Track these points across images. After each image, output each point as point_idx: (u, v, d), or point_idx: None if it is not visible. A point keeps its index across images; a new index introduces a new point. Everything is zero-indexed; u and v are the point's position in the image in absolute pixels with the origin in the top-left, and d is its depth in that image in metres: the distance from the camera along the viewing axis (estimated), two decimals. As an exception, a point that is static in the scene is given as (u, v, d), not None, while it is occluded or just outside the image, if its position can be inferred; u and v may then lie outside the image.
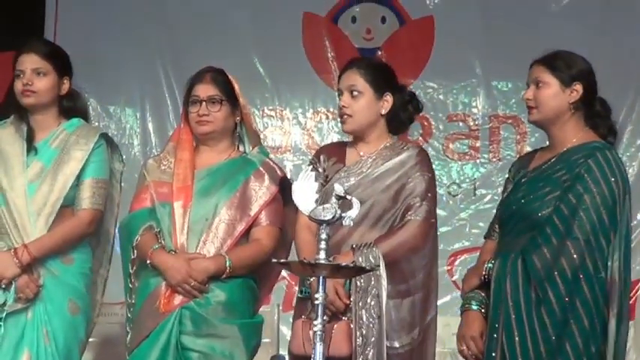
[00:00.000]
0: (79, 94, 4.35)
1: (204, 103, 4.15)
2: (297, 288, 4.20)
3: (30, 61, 4.18)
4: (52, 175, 4.14)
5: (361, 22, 6.83)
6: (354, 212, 3.33)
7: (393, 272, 3.86)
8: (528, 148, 6.14)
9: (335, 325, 3.86)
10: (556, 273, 3.50)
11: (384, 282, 3.83)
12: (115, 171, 4.33)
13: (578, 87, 3.69)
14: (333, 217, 3.30)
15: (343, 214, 3.31)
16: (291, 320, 4.11)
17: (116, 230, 4.35)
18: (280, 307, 5.94)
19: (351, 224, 3.39)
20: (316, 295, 3.24)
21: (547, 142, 3.82)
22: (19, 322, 4.05)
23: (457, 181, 6.67)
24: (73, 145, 4.19)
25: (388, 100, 4.03)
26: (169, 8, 6.70)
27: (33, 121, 4.22)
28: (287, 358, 4.27)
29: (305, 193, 3.37)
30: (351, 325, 3.83)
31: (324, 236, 3.27)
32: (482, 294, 3.70)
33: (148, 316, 4.01)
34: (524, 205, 3.66)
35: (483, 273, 3.69)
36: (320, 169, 3.98)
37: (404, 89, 4.13)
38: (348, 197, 3.36)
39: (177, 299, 4.00)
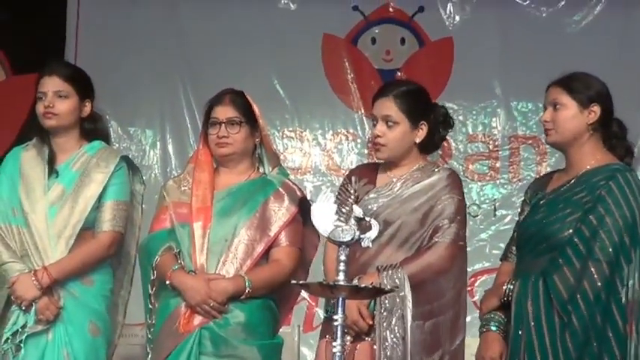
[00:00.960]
0: (101, 117, 4.39)
1: (223, 125, 4.17)
2: (317, 309, 4.20)
3: (52, 84, 4.22)
4: (72, 198, 4.17)
5: (381, 44, 6.83)
6: (372, 234, 3.33)
7: (418, 294, 3.84)
8: (548, 169, 6.12)
9: (358, 346, 3.86)
10: (579, 295, 3.51)
11: (409, 303, 3.80)
12: (135, 193, 4.35)
13: (596, 108, 3.70)
14: (352, 239, 3.31)
15: (362, 236, 3.31)
16: (311, 341, 4.12)
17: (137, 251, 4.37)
18: (301, 328, 5.92)
19: (370, 245, 3.38)
20: (335, 317, 3.24)
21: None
22: (39, 344, 4.07)
23: (477, 201, 6.66)
24: (94, 168, 4.21)
25: (423, 129, 4.00)
26: (189, 30, 6.72)
27: (54, 144, 4.25)
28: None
29: (324, 215, 3.38)
30: (374, 346, 3.82)
31: (343, 257, 3.27)
32: (502, 315, 3.70)
33: (168, 336, 4.03)
34: (545, 226, 3.66)
35: (503, 293, 3.68)
36: (351, 190, 3.99)
37: (437, 109, 4.07)
38: (367, 219, 3.37)
39: (197, 320, 4.01)
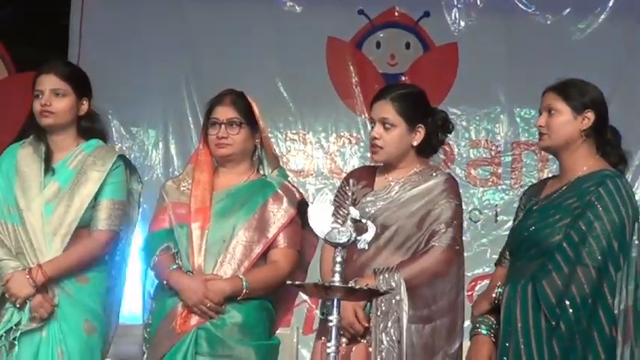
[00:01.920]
0: (98, 115, 4.38)
1: (223, 125, 4.19)
2: (317, 311, 4.21)
3: (49, 82, 4.22)
4: (68, 196, 4.17)
5: (385, 48, 6.85)
6: (369, 235, 3.36)
7: (414, 297, 3.86)
8: (550, 176, 6.12)
9: (353, 348, 3.87)
10: (566, 300, 3.52)
11: (405, 306, 3.82)
12: (133, 192, 4.35)
13: (590, 115, 3.72)
14: (348, 240, 3.32)
15: (358, 237, 3.33)
16: (310, 344, 4.13)
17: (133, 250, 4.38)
18: (300, 330, 5.94)
19: (367, 247, 3.41)
20: (330, 318, 3.27)
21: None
22: (33, 340, 4.08)
23: (478, 207, 6.67)
24: (90, 166, 4.21)
25: (420, 132, 4.02)
26: (194, 30, 6.74)
27: (51, 142, 4.26)
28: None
29: (321, 216, 3.39)
30: (370, 349, 3.84)
31: (339, 259, 3.30)
32: (492, 319, 3.72)
33: (165, 336, 4.04)
34: (535, 232, 3.68)
35: (494, 297, 3.70)
36: (349, 192, 4.01)
37: (436, 114, 4.09)
38: (364, 221, 3.38)
39: (194, 320, 4.02)
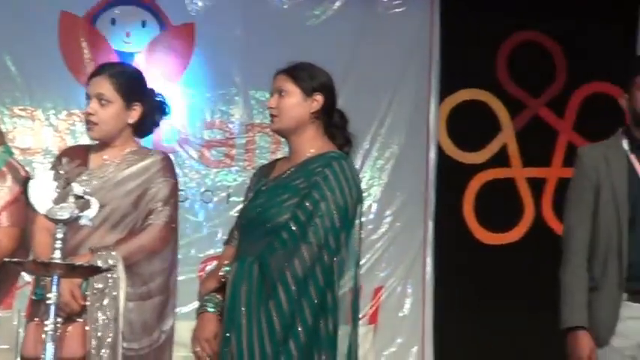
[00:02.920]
0: None
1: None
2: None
3: None
4: None
5: (121, 25, 6.72)
6: (91, 212, 3.32)
7: (133, 274, 3.87)
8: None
9: (69, 327, 3.82)
10: (288, 274, 3.56)
11: (123, 284, 3.82)
12: None
13: (319, 98, 3.77)
14: (70, 217, 3.26)
15: (80, 214, 3.27)
16: (33, 327, 4.01)
17: None
18: (22, 313, 5.75)
19: (90, 224, 3.36)
20: (49, 295, 3.22)
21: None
22: None
23: (211, 188, 6.68)
24: None
25: (137, 110, 4.02)
26: None
27: None
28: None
29: (41, 193, 3.31)
30: (86, 327, 3.79)
31: (60, 235, 3.27)
32: (219, 297, 3.72)
33: None
34: (263, 211, 3.70)
35: (221, 275, 3.72)
36: (61, 172, 3.91)
37: (153, 95, 4.12)
38: (87, 197, 3.32)
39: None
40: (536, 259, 6.46)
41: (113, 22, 6.71)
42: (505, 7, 6.79)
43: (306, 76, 3.79)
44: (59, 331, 3.59)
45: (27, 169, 4.37)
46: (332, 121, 3.82)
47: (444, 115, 6.96)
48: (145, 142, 4.28)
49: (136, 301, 3.87)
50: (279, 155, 6.51)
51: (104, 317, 3.78)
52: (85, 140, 6.36)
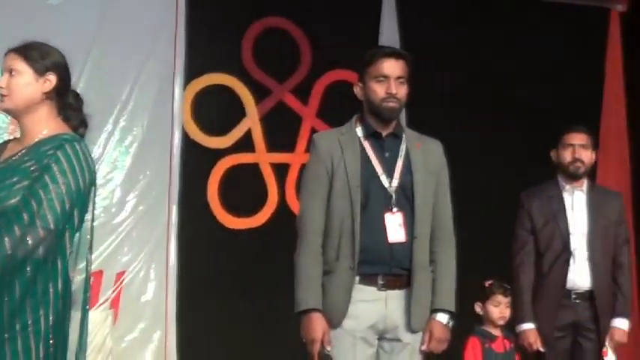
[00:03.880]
0: None
1: None
2: None
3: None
4: None
5: None
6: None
7: None
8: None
9: None
10: (18, 260, 3.46)
11: None
12: None
13: (52, 77, 3.70)
14: None
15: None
16: None
17: None
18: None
19: None
20: None
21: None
22: None
23: None
24: None
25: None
26: None
27: None
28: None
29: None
30: None
31: None
32: None
33: None
34: (-8, 196, 3.59)
35: None
36: None
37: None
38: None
39: None
40: (280, 243, 6.53)
41: None
42: (253, -8, 6.86)
43: (37, 55, 3.71)
44: None
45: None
46: (66, 102, 3.75)
47: (188, 99, 6.95)
48: None
49: None
50: (18, 136, 6.37)
51: None
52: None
